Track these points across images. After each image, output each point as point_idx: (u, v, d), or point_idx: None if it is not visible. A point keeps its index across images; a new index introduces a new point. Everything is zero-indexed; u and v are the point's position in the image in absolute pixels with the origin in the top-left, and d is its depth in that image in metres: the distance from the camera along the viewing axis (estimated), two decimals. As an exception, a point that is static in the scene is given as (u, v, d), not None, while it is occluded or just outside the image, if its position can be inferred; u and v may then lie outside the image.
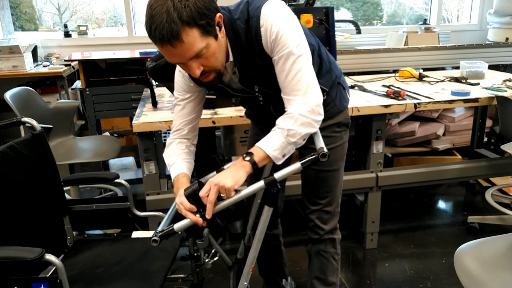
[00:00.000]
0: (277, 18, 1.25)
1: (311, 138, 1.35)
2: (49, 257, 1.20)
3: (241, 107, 2.11)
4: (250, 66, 1.34)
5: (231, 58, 1.31)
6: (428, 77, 2.82)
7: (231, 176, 1.21)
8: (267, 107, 1.49)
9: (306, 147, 1.38)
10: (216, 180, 1.20)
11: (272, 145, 1.25)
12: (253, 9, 1.27)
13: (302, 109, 1.26)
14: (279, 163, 1.28)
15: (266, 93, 1.43)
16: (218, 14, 1.19)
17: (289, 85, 1.27)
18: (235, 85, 1.42)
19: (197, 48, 1.15)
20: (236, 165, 1.24)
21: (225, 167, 1.47)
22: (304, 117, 1.26)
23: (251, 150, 1.26)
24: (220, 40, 1.23)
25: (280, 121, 1.28)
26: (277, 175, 1.23)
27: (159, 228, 1.24)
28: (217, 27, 1.20)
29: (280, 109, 1.33)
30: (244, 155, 1.25)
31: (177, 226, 1.23)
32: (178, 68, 1.42)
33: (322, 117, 1.31)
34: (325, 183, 1.61)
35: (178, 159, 1.43)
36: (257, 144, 1.27)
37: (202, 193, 1.20)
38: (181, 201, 1.23)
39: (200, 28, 1.13)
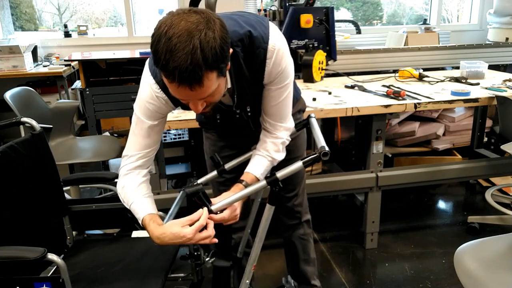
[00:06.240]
0: (285, 53, 1.27)
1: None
2: (52, 256, 1.21)
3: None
4: (246, 91, 1.32)
5: (228, 85, 1.24)
6: (428, 77, 2.82)
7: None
8: (247, 123, 1.49)
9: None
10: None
11: (262, 170, 1.38)
12: (258, 38, 1.21)
13: (287, 135, 1.42)
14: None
15: (254, 111, 1.44)
16: (231, 50, 1.09)
17: (277, 112, 1.37)
18: (222, 103, 1.36)
19: (212, 90, 1.06)
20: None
21: (226, 166, 1.48)
22: (287, 141, 1.43)
23: (245, 179, 1.33)
24: (226, 75, 1.16)
25: (270, 146, 1.39)
26: (279, 174, 1.23)
27: None
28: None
29: (258, 124, 1.45)
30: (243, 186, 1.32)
31: None
32: (152, 94, 1.28)
33: None
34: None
35: (137, 196, 1.32)
36: (250, 171, 1.36)
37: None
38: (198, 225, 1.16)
39: (218, 71, 1.04)
